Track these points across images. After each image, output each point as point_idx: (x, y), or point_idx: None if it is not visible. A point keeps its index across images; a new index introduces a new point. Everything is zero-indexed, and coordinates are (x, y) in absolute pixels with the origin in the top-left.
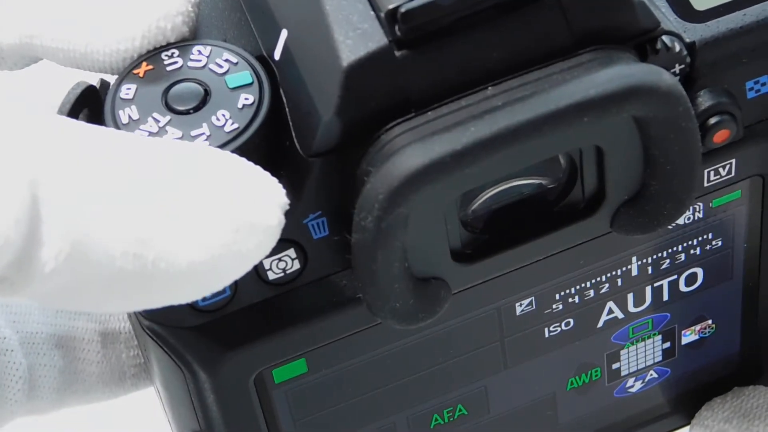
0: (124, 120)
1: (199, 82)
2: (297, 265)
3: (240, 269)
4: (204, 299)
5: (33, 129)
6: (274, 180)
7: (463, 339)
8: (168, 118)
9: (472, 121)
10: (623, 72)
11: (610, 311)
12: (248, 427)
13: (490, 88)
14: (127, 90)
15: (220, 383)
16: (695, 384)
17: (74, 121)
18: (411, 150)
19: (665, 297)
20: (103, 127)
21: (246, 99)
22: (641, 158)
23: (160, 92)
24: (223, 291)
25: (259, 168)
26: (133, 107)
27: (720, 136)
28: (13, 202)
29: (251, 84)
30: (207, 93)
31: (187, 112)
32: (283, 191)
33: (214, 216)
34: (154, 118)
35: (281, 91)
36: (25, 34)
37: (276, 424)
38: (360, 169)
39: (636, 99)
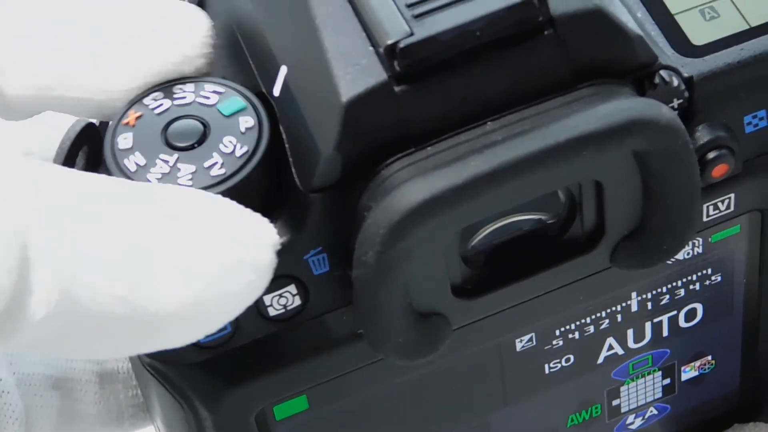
0: (132, 168)
1: (200, 120)
2: (298, 301)
3: (233, 310)
4: (205, 336)
5: (23, 177)
6: (265, 220)
7: (464, 375)
8: (176, 156)
9: (472, 156)
10: (623, 106)
11: (610, 347)
12: None
13: (489, 122)
14: (125, 139)
15: (222, 420)
16: (695, 421)
17: (65, 168)
18: (412, 185)
19: (665, 333)
20: (92, 174)
21: (240, 148)
22: (641, 193)
23: (162, 125)
24: (224, 328)
25: (248, 210)
26: (138, 153)
27: (719, 171)
28: (2, 250)
29: (246, 108)
30: (205, 126)
31: (192, 147)
32: (275, 231)
33: (201, 259)
34: (162, 160)
35: (281, 127)
36: (39, 87)
37: None
38: (360, 205)
39: (636, 133)
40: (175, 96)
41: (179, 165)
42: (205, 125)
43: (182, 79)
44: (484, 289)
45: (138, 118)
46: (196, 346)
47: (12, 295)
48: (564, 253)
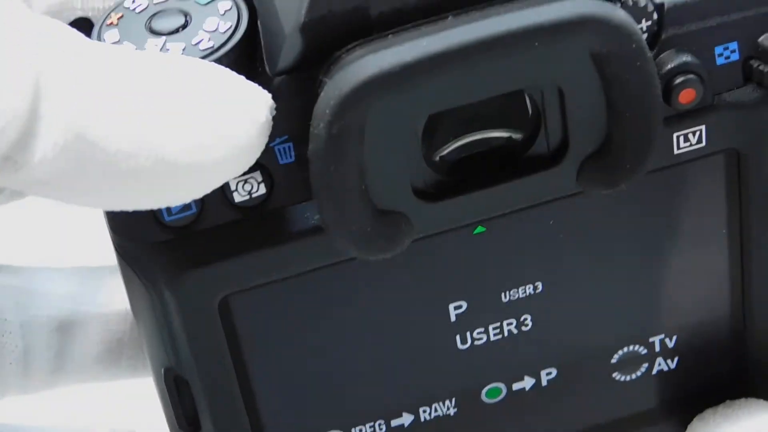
0: (110, 41)
1: (182, 11)
2: (263, 189)
3: (235, 164)
4: (170, 214)
5: (37, 24)
6: (258, 86)
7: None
8: (163, 39)
9: (425, 38)
10: (578, 3)
11: None
12: (214, 355)
13: (450, 16)
14: (111, 35)
15: (184, 302)
16: (685, 393)
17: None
18: (364, 60)
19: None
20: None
21: (223, 24)
22: (603, 105)
23: (144, 19)
24: (189, 208)
25: (242, 77)
26: (116, 30)
27: (686, 96)
28: (19, 83)
29: (230, 11)
30: (187, 20)
31: (177, 31)
32: (268, 93)
33: (208, 111)
34: (152, 44)
35: (258, 22)
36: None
37: (240, 353)
38: (319, 84)
39: (587, 29)
40: None
41: (168, 45)
42: (185, 14)
43: None
44: (446, 193)
45: (120, 18)
46: (161, 224)
47: (27, 125)
48: (529, 167)
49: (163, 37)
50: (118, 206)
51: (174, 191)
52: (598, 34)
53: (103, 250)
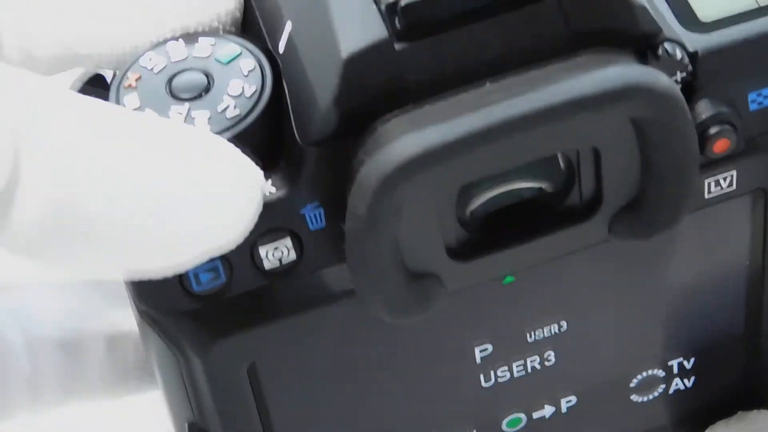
0: (130, 107)
1: (203, 72)
2: (293, 255)
3: (215, 243)
4: (198, 284)
5: (22, 86)
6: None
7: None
8: (187, 106)
9: (467, 113)
10: (620, 71)
11: None
12: (241, 417)
13: (488, 83)
14: (131, 100)
15: (213, 370)
16: (699, 407)
17: (63, 86)
18: (405, 138)
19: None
20: (90, 97)
21: (249, 87)
22: (639, 162)
23: (164, 81)
24: (218, 277)
25: (239, 150)
26: (136, 94)
27: (720, 146)
28: None
29: (254, 73)
30: (210, 82)
31: (200, 96)
32: (262, 173)
33: (190, 185)
34: (176, 111)
35: (284, 82)
36: (66, 45)
37: (268, 415)
38: (356, 159)
39: (631, 98)
40: (195, 47)
41: (193, 114)
42: (210, 82)
43: (172, 39)
44: (479, 252)
45: (138, 79)
46: (190, 294)
47: (3, 188)
48: (561, 221)
49: (187, 104)
50: (99, 271)
51: (154, 260)
52: (641, 102)
53: None
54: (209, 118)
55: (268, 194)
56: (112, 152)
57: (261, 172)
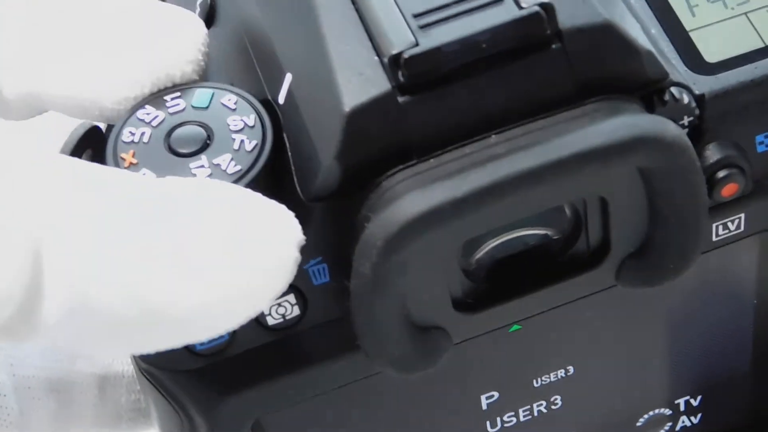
0: (126, 164)
1: (202, 125)
2: (297, 311)
3: (254, 309)
4: (201, 344)
5: (36, 178)
6: (291, 214)
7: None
8: (186, 162)
9: (473, 169)
10: (628, 122)
11: None
12: None
13: (493, 136)
14: (130, 133)
15: (217, 428)
16: None
17: (76, 162)
18: (411, 197)
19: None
20: (106, 168)
21: (249, 142)
22: (646, 210)
23: (163, 135)
24: (221, 335)
25: (275, 203)
26: (135, 151)
27: (728, 190)
28: (15, 256)
29: (254, 127)
30: (209, 136)
31: (188, 155)
32: (299, 227)
33: (228, 253)
34: (156, 163)
35: (284, 135)
36: (31, 85)
37: None
38: (360, 215)
39: (640, 150)
40: (194, 100)
41: (193, 171)
42: (210, 136)
43: (168, 89)
44: (485, 303)
45: (152, 113)
46: (193, 353)
47: (24, 300)
48: (568, 270)
49: (186, 159)
50: (130, 353)
51: (188, 338)
52: (649, 152)
53: None
54: (210, 175)
55: (303, 243)
56: (136, 233)
57: (296, 222)
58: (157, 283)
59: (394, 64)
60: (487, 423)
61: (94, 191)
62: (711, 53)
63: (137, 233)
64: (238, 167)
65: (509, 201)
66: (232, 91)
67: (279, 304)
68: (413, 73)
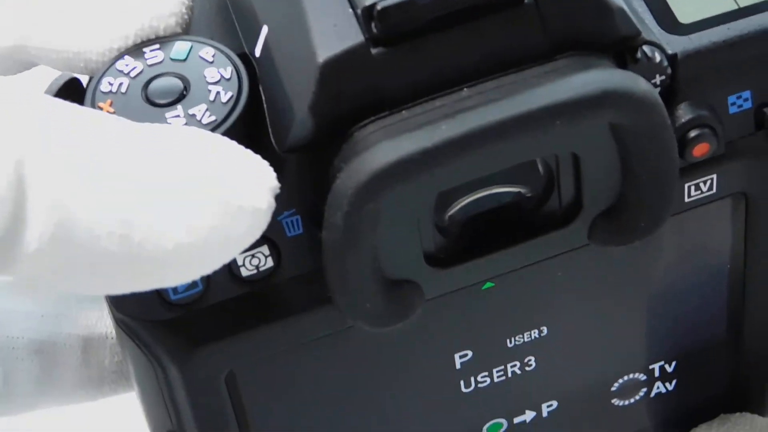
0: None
1: (179, 77)
2: (270, 262)
3: (228, 254)
4: (176, 293)
5: (20, 107)
6: (265, 163)
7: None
8: (162, 112)
9: (444, 121)
10: (598, 77)
11: None
12: (219, 426)
13: (465, 89)
14: (109, 83)
15: (191, 379)
16: (681, 411)
17: (62, 101)
18: (382, 146)
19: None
20: (91, 109)
21: (225, 93)
22: (618, 168)
23: (140, 86)
24: (196, 285)
25: (249, 151)
26: (112, 100)
27: (700, 150)
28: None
29: (230, 79)
30: (186, 87)
31: (165, 106)
32: (274, 174)
33: (203, 198)
34: (132, 111)
35: (260, 87)
36: (17, 38)
37: (247, 424)
38: (333, 166)
39: (610, 105)
40: (172, 52)
41: (169, 120)
42: (186, 87)
43: (149, 41)
44: (458, 258)
45: (131, 64)
46: (167, 303)
47: (6, 226)
48: (541, 227)
49: (162, 110)
50: (109, 293)
51: (165, 280)
52: (620, 108)
53: None
54: (185, 124)
55: (278, 191)
56: (115, 169)
57: (272, 171)
58: (137, 218)
59: (367, 16)
60: (461, 382)
61: (79, 125)
62: (685, 14)
63: (120, 169)
64: (213, 117)
65: (479, 153)
66: (210, 45)
67: (253, 255)
68: (386, 25)
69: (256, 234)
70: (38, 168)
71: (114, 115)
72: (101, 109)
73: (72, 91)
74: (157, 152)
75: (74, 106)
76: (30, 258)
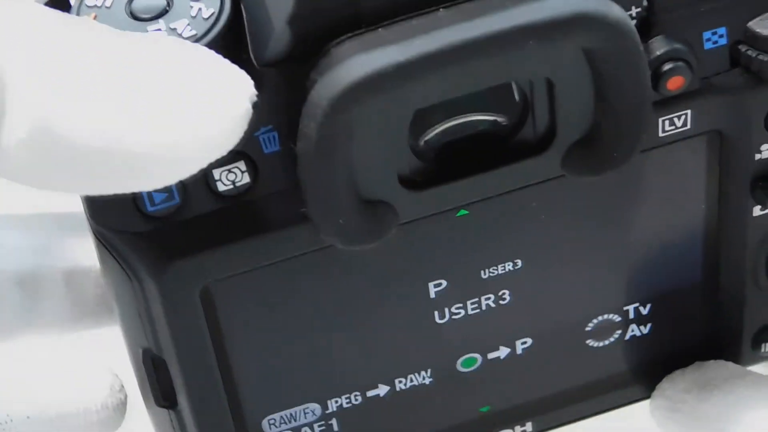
0: None
1: None
2: (247, 178)
3: (204, 158)
4: (153, 204)
5: (6, 12)
6: (243, 72)
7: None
8: (144, 25)
9: (419, 36)
10: (572, 0)
11: None
12: (194, 342)
13: (441, 9)
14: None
15: (166, 291)
16: (656, 356)
17: (44, 7)
18: (356, 60)
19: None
20: (74, 16)
21: (206, 9)
22: (592, 95)
23: (123, 10)
24: (172, 198)
25: (228, 61)
26: (96, 14)
27: (674, 83)
28: None
29: None
30: (169, 3)
31: (147, 20)
32: (252, 82)
33: (180, 101)
34: (115, 24)
35: (242, 6)
36: None
37: (221, 341)
38: (308, 81)
39: (582, 27)
40: None
41: (149, 31)
42: (169, 3)
43: None
44: (431, 182)
45: None
46: (144, 215)
47: None
48: (515, 153)
49: (144, 23)
50: (88, 192)
51: (143, 180)
52: (592, 31)
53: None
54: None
55: (255, 99)
56: (96, 69)
57: (249, 79)
58: (115, 119)
59: None
60: (435, 313)
61: (63, 30)
62: None
63: (100, 72)
64: (194, 32)
65: (453, 70)
66: None
67: (229, 170)
68: None
69: (234, 139)
70: (18, 71)
71: (96, 22)
72: None
73: (58, 5)
74: (137, 58)
75: (60, 13)
76: (10, 155)
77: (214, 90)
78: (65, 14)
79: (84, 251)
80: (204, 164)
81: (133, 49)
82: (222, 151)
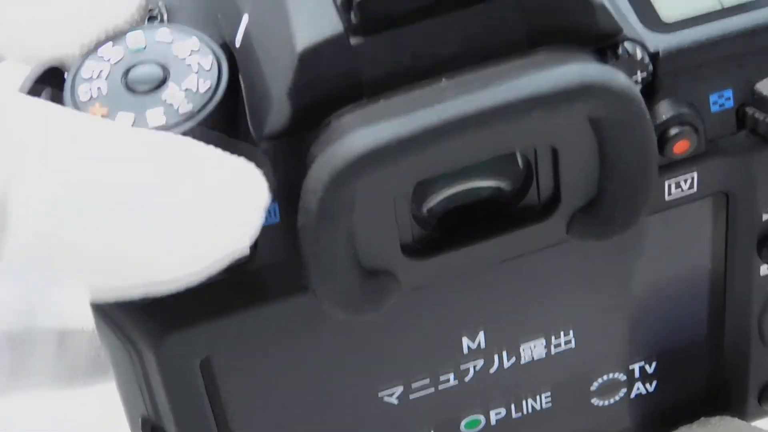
0: (83, 98)
1: (160, 65)
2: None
3: (216, 262)
4: None
5: (10, 110)
6: (258, 173)
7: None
8: (140, 99)
9: (420, 109)
10: (576, 70)
11: None
12: (194, 412)
13: (443, 79)
14: (89, 69)
15: (165, 363)
16: (661, 412)
17: (54, 108)
18: (357, 133)
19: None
20: (84, 115)
21: (203, 82)
22: (596, 161)
23: (121, 73)
24: None
25: (242, 160)
26: (92, 86)
27: (680, 147)
28: None
29: (209, 70)
30: (166, 75)
31: (143, 93)
32: (265, 186)
33: (191, 214)
34: (111, 97)
35: (240, 78)
36: None
37: (222, 410)
38: (309, 154)
39: (588, 97)
40: (156, 39)
41: (148, 108)
42: (163, 67)
43: (131, 30)
44: (434, 250)
45: (113, 50)
46: None
47: None
48: (519, 220)
49: (140, 98)
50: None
51: (149, 289)
52: (598, 101)
53: None
54: (163, 113)
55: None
56: (102, 177)
57: (264, 181)
58: (124, 238)
59: (347, 6)
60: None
61: (71, 129)
62: (668, 14)
63: (107, 189)
64: (190, 106)
65: (455, 143)
66: (192, 34)
67: None
68: (366, 15)
69: (245, 246)
70: (25, 185)
71: (106, 120)
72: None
73: (52, 78)
74: (148, 170)
75: (69, 113)
76: (12, 259)
77: (229, 199)
78: (74, 113)
79: (77, 313)
80: (213, 270)
81: (144, 153)
82: (232, 257)
